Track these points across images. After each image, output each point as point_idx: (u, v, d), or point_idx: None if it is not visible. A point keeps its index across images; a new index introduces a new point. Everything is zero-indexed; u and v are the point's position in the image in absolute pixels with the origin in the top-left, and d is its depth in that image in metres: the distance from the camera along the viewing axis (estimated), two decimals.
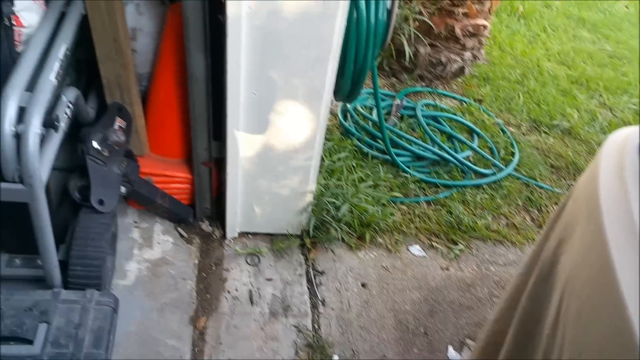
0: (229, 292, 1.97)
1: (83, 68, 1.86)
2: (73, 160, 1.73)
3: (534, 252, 1.44)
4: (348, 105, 3.00)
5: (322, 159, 2.37)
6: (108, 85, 1.80)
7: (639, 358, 0.81)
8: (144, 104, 1.97)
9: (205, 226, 2.18)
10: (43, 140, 1.37)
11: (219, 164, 2.01)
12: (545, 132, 3.30)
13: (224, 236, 2.15)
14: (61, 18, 1.60)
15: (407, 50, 3.23)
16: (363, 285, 2.11)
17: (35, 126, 1.31)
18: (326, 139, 2.63)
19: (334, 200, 2.20)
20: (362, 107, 3.04)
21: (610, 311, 0.94)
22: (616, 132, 1.34)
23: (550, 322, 1.19)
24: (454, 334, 1.99)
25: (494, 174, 2.81)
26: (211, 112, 1.85)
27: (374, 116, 2.94)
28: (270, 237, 2.20)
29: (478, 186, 2.72)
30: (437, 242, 2.36)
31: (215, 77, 1.76)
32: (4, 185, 1.35)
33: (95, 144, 1.68)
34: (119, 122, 1.79)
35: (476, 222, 2.47)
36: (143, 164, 1.93)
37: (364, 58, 1.89)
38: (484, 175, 2.79)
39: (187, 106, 1.84)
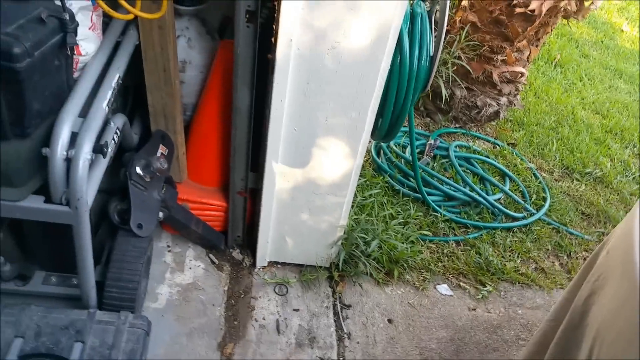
0: (256, 320, 2.00)
1: (129, 94, 1.95)
2: (113, 183, 1.79)
3: (564, 299, 1.44)
4: (382, 143, 3.06)
5: (355, 195, 2.41)
6: (154, 113, 1.90)
7: None
8: (186, 132, 2.05)
9: (236, 254, 2.23)
10: (91, 165, 1.42)
11: (253, 194, 2.07)
12: (578, 180, 3.29)
13: (253, 264, 2.20)
14: (115, 47, 1.68)
15: (444, 92, 3.28)
16: (389, 321, 2.12)
17: (85, 152, 1.36)
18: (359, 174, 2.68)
19: (364, 236, 2.23)
20: (395, 145, 3.09)
21: None
22: None
23: None
24: None
25: (524, 217, 2.81)
26: (251, 144, 1.92)
27: (407, 154, 2.98)
28: (299, 267, 2.24)
29: (508, 229, 2.72)
30: (465, 282, 2.36)
31: (257, 111, 1.84)
32: (51, 207, 1.40)
33: (138, 170, 1.75)
34: (161, 150, 1.87)
35: (505, 265, 2.47)
36: (181, 190, 2.01)
37: (403, 101, 1.94)
38: (514, 219, 2.79)
39: (228, 137, 1.92)
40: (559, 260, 2.63)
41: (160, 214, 1.84)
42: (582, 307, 1.29)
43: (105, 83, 1.57)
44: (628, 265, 1.12)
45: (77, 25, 1.39)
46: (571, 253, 2.67)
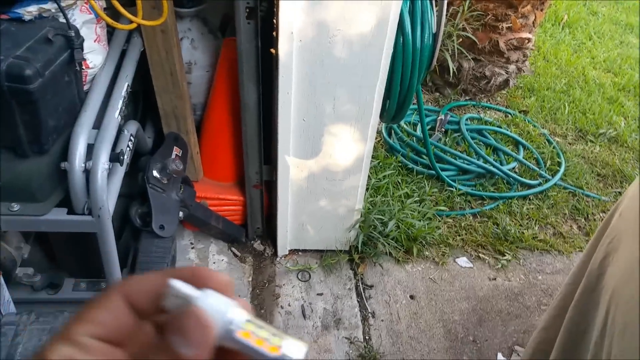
0: (282, 307, 2.06)
1: (139, 99, 1.99)
2: (132, 187, 1.84)
3: (582, 262, 1.46)
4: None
5: (369, 177, 2.45)
6: (165, 116, 1.95)
7: None
8: (198, 132, 2.11)
9: (257, 245, 2.29)
10: (109, 174, 1.45)
11: (268, 185, 2.12)
12: (592, 141, 3.28)
13: (275, 254, 2.26)
14: (122, 55, 1.72)
15: (451, 66, 3.28)
16: (411, 297, 2.17)
17: (103, 162, 1.40)
18: (372, 157, 2.71)
19: (381, 217, 2.27)
20: (406, 124, 3.11)
21: None
22: None
23: (597, 332, 1.21)
24: (503, 342, 2.02)
25: (540, 184, 2.82)
26: (262, 138, 1.96)
27: (418, 132, 3.00)
28: (320, 253, 2.29)
29: (524, 197, 2.73)
30: (484, 253, 2.40)
31: (265, 105, 1.88)
32: (74, 217, 1.45)
33: (155, 173, 1.81)
34: (176, 151, 1.92)
35: (523, 233, 2.49)
36: (198, 188, 2.07)
37: (409, 81, 1.95)
38: (530, 186, 2.80)
39: (239, 133, 1.97)
40: (577, 224, 2.64)
41: (181, 214, 1.90)
42: (597, 270, 1.31)
43: (115, 93, 1.61)
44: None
45: (83, 40, 1.43)
46: (589, 215, 2.68)
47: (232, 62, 1.86)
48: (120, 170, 1.57)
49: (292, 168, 1.95)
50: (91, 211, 1.44)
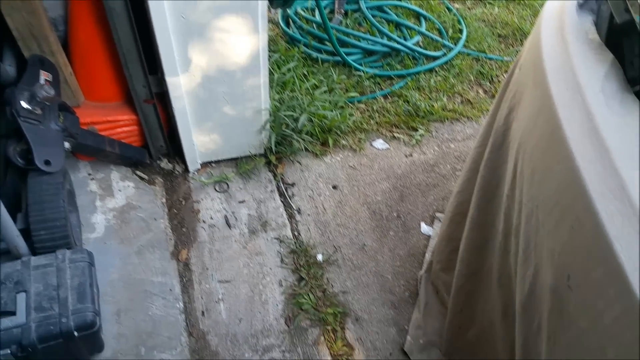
0: (204, 221, 1.97)
1: None
2: (6, 125, 1.63)
3: (487, 123, 1.47)
4: (288, 11, 2.89)
5: (271, 73, 2.31)
6: (21, 37, 1.69)
7: (588, 204, 0.83)
8: (66, 50, 1.86)
9: (165, 164, 2.14)
10: None
11: (162, 98, 1.95)
12: (490, 3, 3.25)
13: (186, 170, 2.13)
14: None
15: None
16: (334, 187, 2.13)
17: None
18: (271, 50, 2.55)
19: (291, 113, 2.17)
20: (303, 10, 2.93)
21: (560, 165, 0.96)
22: None
23: (508, 185, 1.23)
24: (425, 211, 2.06)
25: (444, 54, 2.78)
26: (140, 45, 1.75)
27: (317, 17, 2.84)
28: (234, 161, 2.19)
29: (431, 70, 2.70)
30: (398, 132, 2.38)
31: (137, 6, 1.66)
32: None
33: (24, 104, 1.59)
34: (44, 76, 1.69)
35: (432, 106, 2.48)
36: (81, 114, 1.86)
37: None
38: (435, 58, 2.76)
39: (113, 43, 1.75)
40: (483, 88, 2.65)
41: (66, 144, 1.71)
42: (503, 127, 1.32)
43: None
44: (538, 75, 1.12)
45: None
46: (493, 78, 2.69)
47: None
48: None
49: (181, 74, 1.78)
50: None
